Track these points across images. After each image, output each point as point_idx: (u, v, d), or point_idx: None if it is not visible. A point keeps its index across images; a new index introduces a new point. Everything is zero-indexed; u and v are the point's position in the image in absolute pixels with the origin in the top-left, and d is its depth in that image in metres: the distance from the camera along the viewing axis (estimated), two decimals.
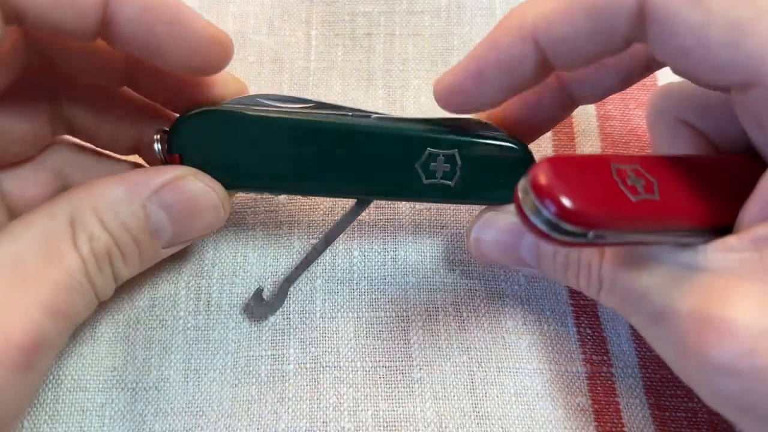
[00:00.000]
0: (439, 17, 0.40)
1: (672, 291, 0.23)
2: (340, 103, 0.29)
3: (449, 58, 0.39)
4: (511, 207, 0.25)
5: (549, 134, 0.37)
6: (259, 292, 0.32)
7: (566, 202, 0.21)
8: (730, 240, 0.23)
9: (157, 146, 0.28)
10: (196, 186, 0.28)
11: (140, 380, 0.30)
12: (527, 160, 0.29)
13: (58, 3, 0.23)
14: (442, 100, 0.27)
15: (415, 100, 0.38)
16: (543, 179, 0.21)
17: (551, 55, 0.25)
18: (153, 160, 0.31)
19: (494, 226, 0.30)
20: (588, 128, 0.37)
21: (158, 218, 0.27)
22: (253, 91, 0.38)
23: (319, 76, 0.39)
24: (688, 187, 0.24)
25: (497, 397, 0.31)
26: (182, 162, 0.28)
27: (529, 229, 0.22)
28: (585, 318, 0.32)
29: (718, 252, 0.23)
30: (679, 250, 0.24)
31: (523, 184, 0.22)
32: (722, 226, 0.24)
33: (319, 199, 0.35)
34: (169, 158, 0.29)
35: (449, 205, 0.35)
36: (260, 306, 0.32)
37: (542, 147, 0.37)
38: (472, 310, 0.33)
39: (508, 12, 0.25)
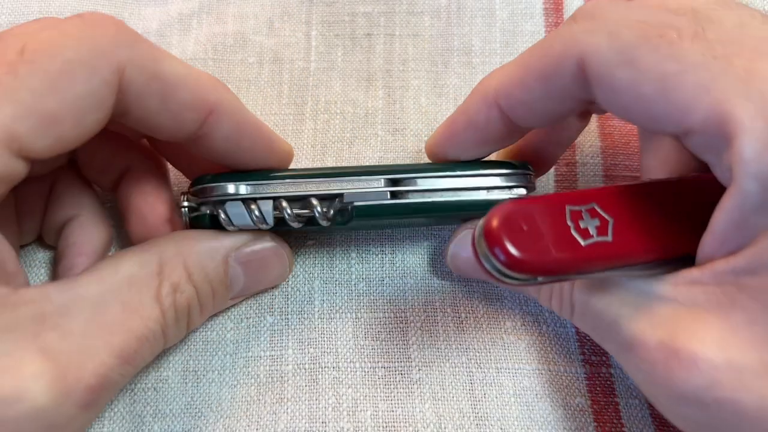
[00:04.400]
0: (439, 18, 0.40)
1: (640, 321, 0.24)
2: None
3: (449, 59, 0.39)
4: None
5: None
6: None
7: (513, 251, 0.22)
8: (693, 273, 0.23)
9: (185, 210, 0.30)
10: (271, 244, 0.31)
11: (139, 381, 0.30)
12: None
13: (162, 110, 0.25)
14: (429, 155, 0.32)
15: (414, 101, 0.38)
16: (494, 226, 0.22)
17: (513, 116, 0.27)
18: (128, 205, 0.31)
19: (469, 244, 0.30)
20: (588, 129, 0.36)
21: (235, 273, 0.29)
22: (252, 91, 0.38)
23: (319, 77, 0.39)
24: (647, 220, 0.25)
25: (496, 397, 0.31)
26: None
27: (482, 271, 0.23)
28: None
29: (683, 285, 0.23)
30: (646, 279, 0.24)
31: (479, 227, 0.23)
32: (685, 253, 0.24)
33: None
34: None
35: None
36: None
37: None
38: (470, 311, 0.33)
39: (478, 82, 0.29)
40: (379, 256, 0.34)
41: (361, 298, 0.33)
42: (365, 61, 0.39)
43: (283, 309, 0.32)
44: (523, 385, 0.31)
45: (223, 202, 0.28)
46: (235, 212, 0.28)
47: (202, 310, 0.29)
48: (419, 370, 0.31)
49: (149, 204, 0.30)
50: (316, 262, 0.33)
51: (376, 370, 0.31)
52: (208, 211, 0.29)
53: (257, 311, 0.32)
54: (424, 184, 0.29)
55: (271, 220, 0.29)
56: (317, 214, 0.29)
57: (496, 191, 0.30)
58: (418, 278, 0.33)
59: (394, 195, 0.29)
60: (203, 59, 0.39)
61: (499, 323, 0.32)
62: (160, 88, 0.25)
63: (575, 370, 0.31)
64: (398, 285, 0.33)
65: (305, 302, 0.33)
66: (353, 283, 0.33)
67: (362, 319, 0.32)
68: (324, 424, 0.30)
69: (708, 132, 0.22)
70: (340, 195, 0.29)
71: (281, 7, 0.40)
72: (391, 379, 0.31)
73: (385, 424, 0.30)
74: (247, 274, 0.30)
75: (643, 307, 0.24)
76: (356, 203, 0.29)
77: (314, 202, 0.29)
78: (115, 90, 0.24)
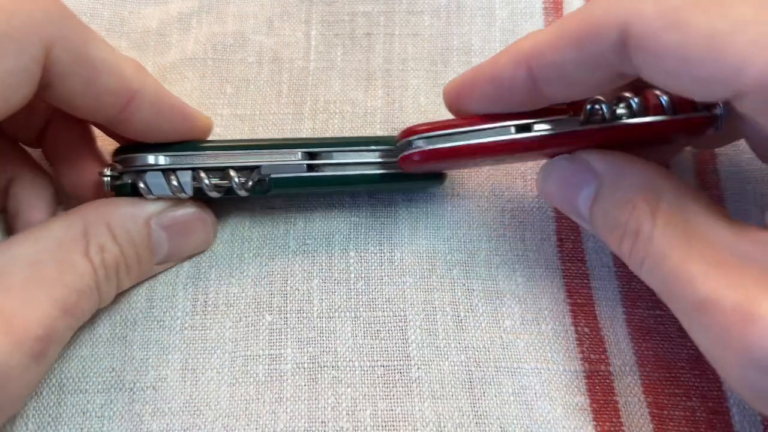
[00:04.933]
0: (438, 17, 0.40)
1: (719, 280, 0.23)
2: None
3: (449, 58, 0.39)
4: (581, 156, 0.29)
5: None
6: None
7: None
8: None
9: (107, 179, 0.30)
10: (192, 210, 0.32)
11: (138, 380, 0.30)
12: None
13: (85, 92, 0.27)
14: (444, 98, 0.31)
15: (414, 100, 0.38)
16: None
17: (540, 80, 0.27)
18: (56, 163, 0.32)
19: (560, 171, 0.31)
20: None
21: (158, 236, 0.31)
22: (251, 90, 0.38)
23: (319, 76, 0.39)
24: None
25: (495, 396, 0.31)
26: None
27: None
28: (583, 317, 0.32)
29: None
30: (733, 234, 0.24)
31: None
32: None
33: (316, 200, 0.35)
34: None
35: (446, 206, 0.35)
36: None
37: None
38: (469, 310, 0.32)
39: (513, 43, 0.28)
40: (378, 254, 0.34)
41: (360, 296, 0.33)
42: (365, 60, 0.39)
43: (282, 308, 0.32)
44: (522, 384, 0.31)
45: (143, 172, 0.30)
46: (155, 182, 0.30)
47: (129, 271, 0.30)
48: (418, 368, 0.31)
49: (77, 166, 0.32)
50: (315, 260, 0.33)
51: (376, 368, 0.31)
52: (129, 181, 0.30)
53: (256, 310, 0.32)
54: (340, 157, 0.31)
55: (189, 190, 0.30)
56: (234, 185, 0.30)
57: None
58: (417, 277, 0.33)
59: (311, 168, 0.31)
60: (203, 58, 0.39)
61: (498, 322, 0.32)
62: (85, 70, 0.26)
63: (574, 368, 0.31)
64: (397, 284, 0.33)
65: (304, 301, 0.33)
66: (352, 281, 0.33)
67: (361, 318, 0.32)
68: (323, 424, 0.30)
69: (763, 91, 0.21)
70: (258, 167, 0.31)
71: (281, 7, 0.40)
72: (391, 378, 0.31)
73: (384, 423, 0.30)
74: (171, 239, 0.31)
75: (723, 265, 0.23)
76: (273, 175, 0.31)
77: (232, 173, 0.30)
78: (41, 65, 0.24)
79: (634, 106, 0.28)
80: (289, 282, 0.33)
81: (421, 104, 0.38)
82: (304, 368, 0.31)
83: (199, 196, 0.31)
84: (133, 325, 0.32)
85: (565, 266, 0.34)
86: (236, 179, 0.30)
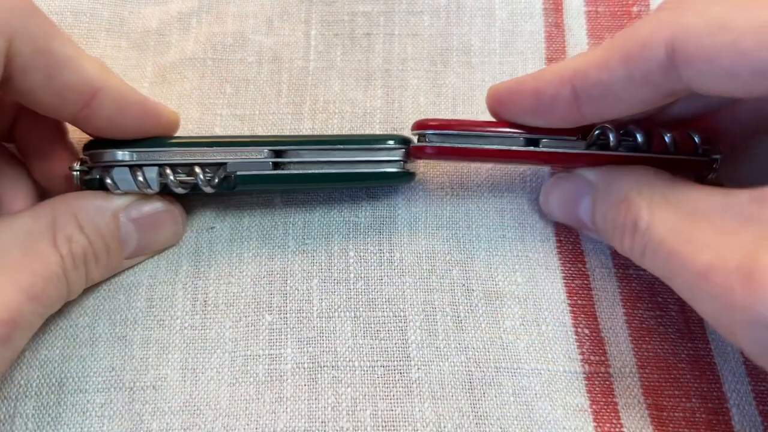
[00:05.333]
0: (438, 17, 0.40)
1: (719, 246, 0.23)
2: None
3: (448, 58, 0.39)
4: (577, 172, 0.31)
5: None
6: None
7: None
8: None
9: (76, 173, 0.31)
10: (161, 204, 0.32)
11: (138, 380, 0.30)
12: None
13: (46, 87, 0.27)
14: (487, 99, 0.32)
15: (413, 100, 0.38)
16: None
17: (584, 99, 0.28)
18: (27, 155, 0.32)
19: (559, 189, 0.33)
20: None
21: (127, 230, 0.31)
22: (251, 90, 0.38)
23: (318, 76, 0.39)
24: None
25: (495, 397, 0.31)
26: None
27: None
28: (583, 318, 0.32)
29: (765, 202, 0.23)
30: (731, 201, 0.24)
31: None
32: None
33: (315, 200, 0.35)
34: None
35: (445, 206, 0.35)
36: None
37: None
38: (469, 310, 0.32)
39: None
40: (378, 254, 0.34)
41: (360, 296, 0.33)
42: (364, 60, 0.39)
43: (282, 308, 0.32)
44: (522, 385, 0.31)
45: (111, 167, 0.30)
46: (121, 178, 0.30)
47: (98, 262, 0.30)
48: (418, 369, 0.31)
49: (49, 160, 0.32)
50: (314, 260, 0.33)
51: (376, 369, 0.31)
52: (98, 176, 0.30)
53: (255, 310, 0.32)
54: (306, 156, 0.31)
55: (156, 186, 0.31)
56: (200, 182, 0.31)
57: (372, 165, 0.32)
58: (417, 277, 0.33)
59: (277, 165, 0.31)
60: (202, 58, 0.39)
61: (498, 323, 0.32)
62: (47, 64, 0.26)
63: (574, 369, 0.31)
64: (397, 284, 0.33)
65: (304, 301, 0.33)
66: (352, 281, 0.33)
67: (361, 318, 0.32)
68: (323, 424, 0.30)
69: None
70: (224, 164, 0.31)
71: (281, 7, 0.40)
72: (391, 378, 0.31)
73: (384, 423, 0.30)
74: (140, 232, 0.31)
75: (722, 231, 0.23)
76: (239, 172, 0.31)
77: (197, 170, 0.31)
78: (3, 57, 0.24)
79: (639, 138, 0.30)
80: (288, 282, 0.33)
81: (421, 104, 0.38)
82: (304, 368, 0.31)
83: (165, 192, 0.31)
84: (132, 325, 0.32)
85: (565, 267, 0.34)
86: (201, 176, 0.31)
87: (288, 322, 0.32)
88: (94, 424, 0.30)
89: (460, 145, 0.31)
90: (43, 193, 0.32)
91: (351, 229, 0.34)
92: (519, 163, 0.35)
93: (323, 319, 0.32)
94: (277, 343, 0.32)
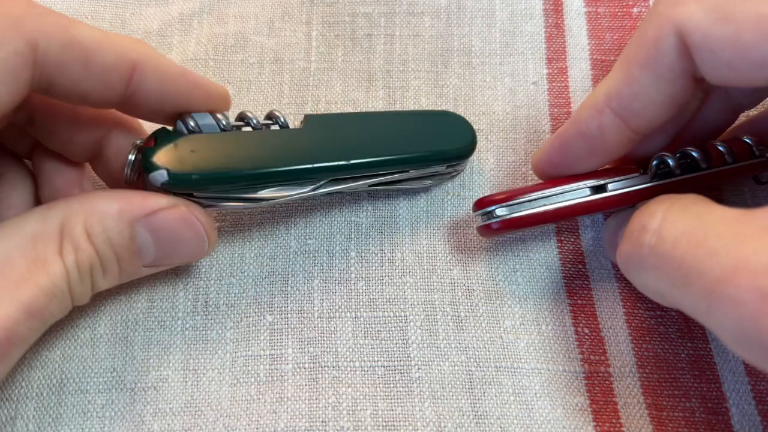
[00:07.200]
0: (439, 18, 0.40)
1: (742, 248, 0.22)
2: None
3: (449, 59, 0.39)
4: (623, 212, 0.31)
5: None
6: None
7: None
8: None
9: (131, 157, 0.29)
10: (185, 216, 0.29)
11: (139, 380, 0.31)
12: None
13: (86, 76, 0.26)
14: (536, 171, 0.32)
15: (414, 101, 0.38)
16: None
17: (627, 116, 0.27)
18: (106, 171, 0.31)
19: (607, 230, 0.33)
20: None
21: (144, 240, 0.28)
22: (252, 91, 0.38)
23: (320, 77, 0.39)
24: None
25: (495, 396, 0.31)
26: (148, 177, 0.29)
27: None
28: (583, 318, 0.32)
29: None
30: (748, 215, 0.23)
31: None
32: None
33: (315, 200, 0.35)
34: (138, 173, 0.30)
35: (446, 206, 0.35)
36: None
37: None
38: (470, 310, 0.33)
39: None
40: (378, 255, 0.34)
41: (361, 297, 0.33)
42: (365, 61, 0.39)
43: (283, 308, 0.32)
44: (522, 384, 0.31)
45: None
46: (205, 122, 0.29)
47: (105, 273, 0.28)
48: (419, 369, 0.31)
49: (58, 170, 0.31)
50: (316, 261, 0.34)
51: (376, 369, 0.31)
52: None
53: (257, 310, 0.32)
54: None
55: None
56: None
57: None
58: (418, 277, 0.33)
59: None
60: (204, 59, 0.39)
61: (498, 322, 0.32)
62: (79, 53, 0.25)
63: (574, 369, 0.31)
64: (398, 284, 0.33)
65: (305, 301, 0.33)
66: (352, 282, 0.33)
67: (362, 318, 0.32)
68: (324, 423, 0.30)
69: None
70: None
71: (282, 8, 0.40)
72: (391, 378, 0.31)
73: (384, 423, 0.30)
74: (158, 244, 0.29)
75: (743, 237, 0.22)
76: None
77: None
78: (29, 62, 0.24)
79: (696, 156, 0.30)
80: (290, 282, 0.33)
81: (422, 105, 0.38)
82: (304, 368, 0.31)
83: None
84: (134, 326, 0.32)
85: (565, 267, 0.34)
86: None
87: (289, 322, 0.32)
88: (95, 425, 0.30)
89: (528, 212, 0.30)
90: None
91: (353, 229, 0.34)
92: (587, 214, 0.33)
93: (324, 319, 0.32)
94: (278, 344, 0.32)
